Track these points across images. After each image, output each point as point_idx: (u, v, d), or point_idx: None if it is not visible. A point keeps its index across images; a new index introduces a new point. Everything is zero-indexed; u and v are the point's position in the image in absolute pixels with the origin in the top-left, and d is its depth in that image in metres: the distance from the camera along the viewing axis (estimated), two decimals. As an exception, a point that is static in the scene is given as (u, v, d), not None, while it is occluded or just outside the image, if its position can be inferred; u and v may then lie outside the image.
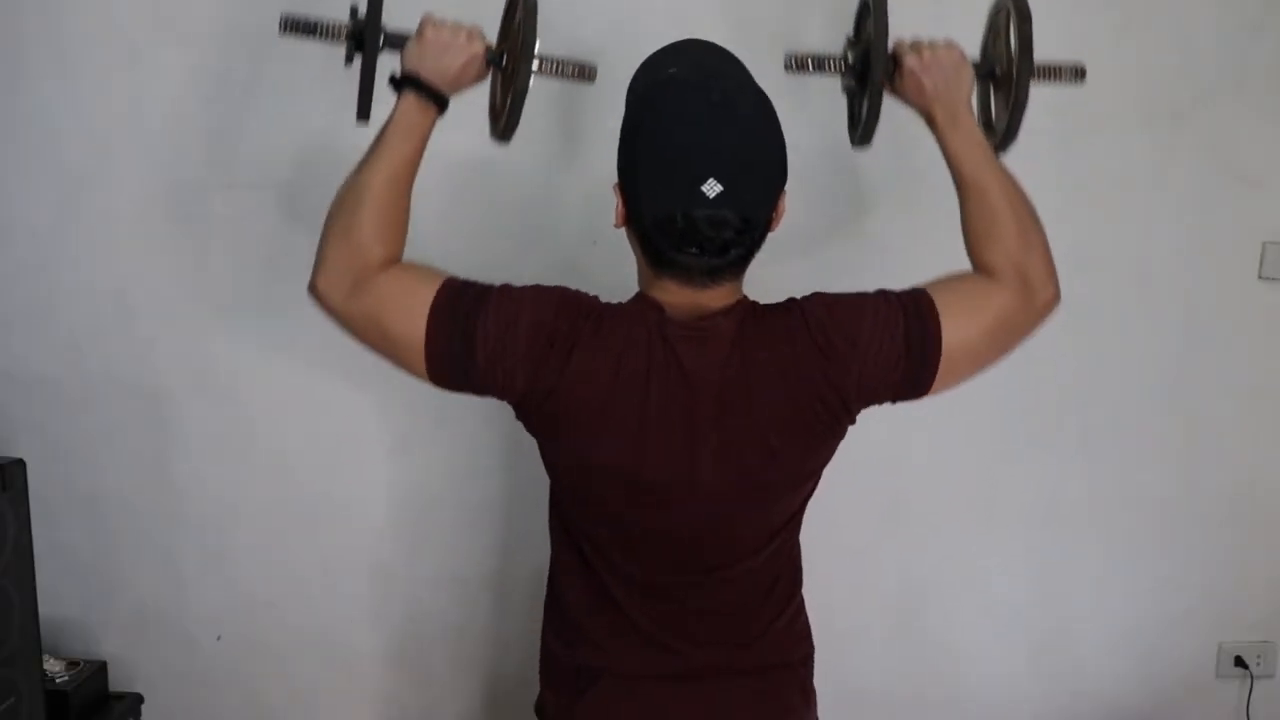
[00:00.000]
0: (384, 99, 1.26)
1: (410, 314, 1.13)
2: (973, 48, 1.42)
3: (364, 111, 1.30)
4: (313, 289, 1.19)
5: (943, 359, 1.15)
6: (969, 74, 1.32)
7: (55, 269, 1.89)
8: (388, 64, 1.28)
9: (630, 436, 1.11)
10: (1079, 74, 1.46)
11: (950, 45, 1.32)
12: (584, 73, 1.36)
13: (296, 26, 1.32)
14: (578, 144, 1.85)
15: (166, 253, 1.88)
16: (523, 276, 1.80)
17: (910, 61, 1.30)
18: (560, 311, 1.13)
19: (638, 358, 1.11)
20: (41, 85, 1.83)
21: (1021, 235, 1.23)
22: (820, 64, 1.40)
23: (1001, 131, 1.41)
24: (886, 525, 2.03)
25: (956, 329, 1.16)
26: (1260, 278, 2.00)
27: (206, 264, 1.89)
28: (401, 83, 1.23)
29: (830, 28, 1.83)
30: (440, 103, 1.24)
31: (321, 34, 1.32)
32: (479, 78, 1.30)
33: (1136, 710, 2.14)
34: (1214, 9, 1.91)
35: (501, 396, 1.15)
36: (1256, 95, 1.94)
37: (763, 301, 1.19)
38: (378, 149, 1.21)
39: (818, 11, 1.81)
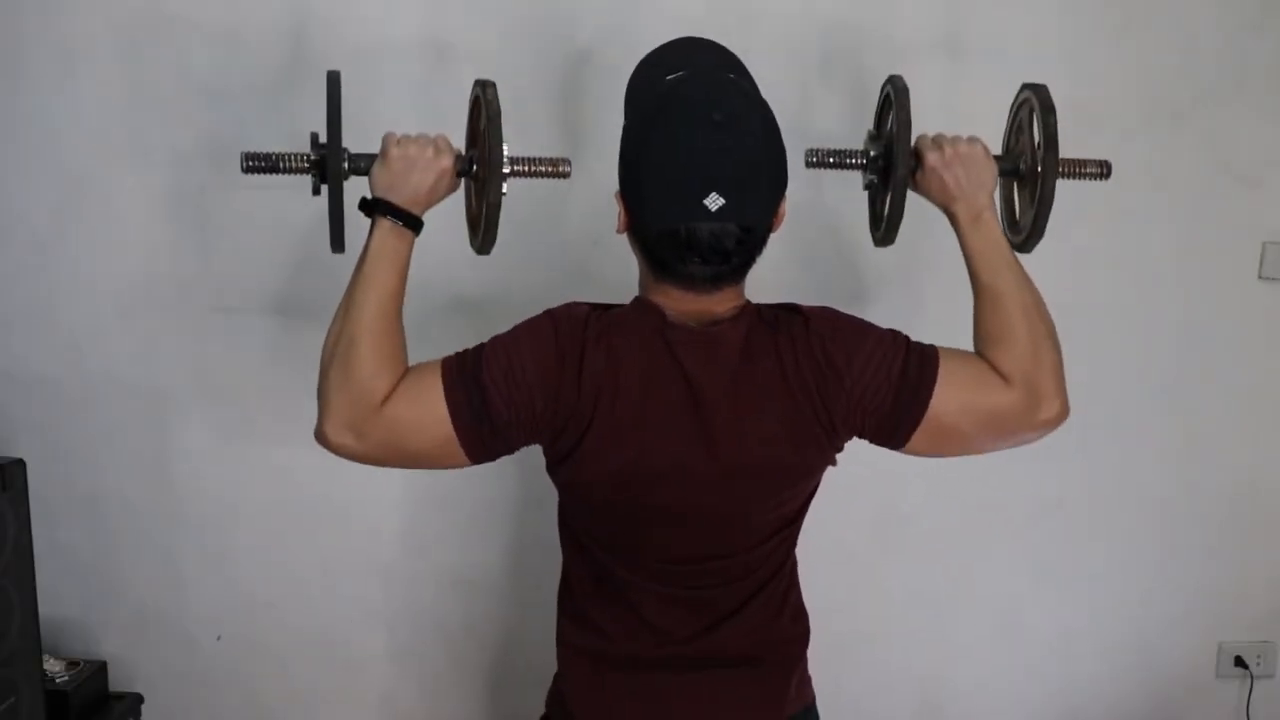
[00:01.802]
0: (359, 222, 1.20)
1: (431, 424, 1.11)
2: (994, 143, 1.37)
3: (337, 243, 1.26)
4: (320, 436, 1.13)
5: (925, 419, 1.15)
6: (993, 171, 1.28)
7: (55, 269, 1.89)
8: (360, 186, 1.22)
9: (634, 439, 1.12)
10: (1104, 170, 1.41)
11: (973, 141, 1.29)
12: (558, 169, 1.31)
13: (258, 164, 1.27)
14: (577, 145, 1.84)
15: (166, 253, 1.89)
16: (524, 279, 1.82)
17: (932, 158, 1.27)
18: (559, 331, 1.13)
19: (639, 362, 1.12)
20: (41, 85, 1.83)
21: (1032, 347, 1.20)
22: (841, 160, 1.37)
23: (1027, 229, 1.37)
24: (885, 527, 2.04)
25: (949, 400, 1.15)
26: (1260, 278, 2.00)
27: (206, 264, 1.89)
28: (373, 207, 1.18)
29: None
30: (415, 225, 1.18)
31: (284, 168, 1.27)
32: (452, 189, 1.25)
33: (1136, 710, 2.14)
34: (1214, 9, 1.91)
35: (528, 437, 1.14)
36: (1256, 95, 1.94)
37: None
38: (358, 284, 1.15)
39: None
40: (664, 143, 1.09)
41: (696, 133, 1.07)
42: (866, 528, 2.01)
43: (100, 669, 1.93)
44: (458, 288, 1.81)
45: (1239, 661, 2.13)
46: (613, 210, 1.15)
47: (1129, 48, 1.90)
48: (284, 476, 1.96)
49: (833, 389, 1.13)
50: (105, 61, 1.82)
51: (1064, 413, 1.21)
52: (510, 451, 1.16)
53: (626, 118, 1.19)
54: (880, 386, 1.14)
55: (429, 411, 1.11)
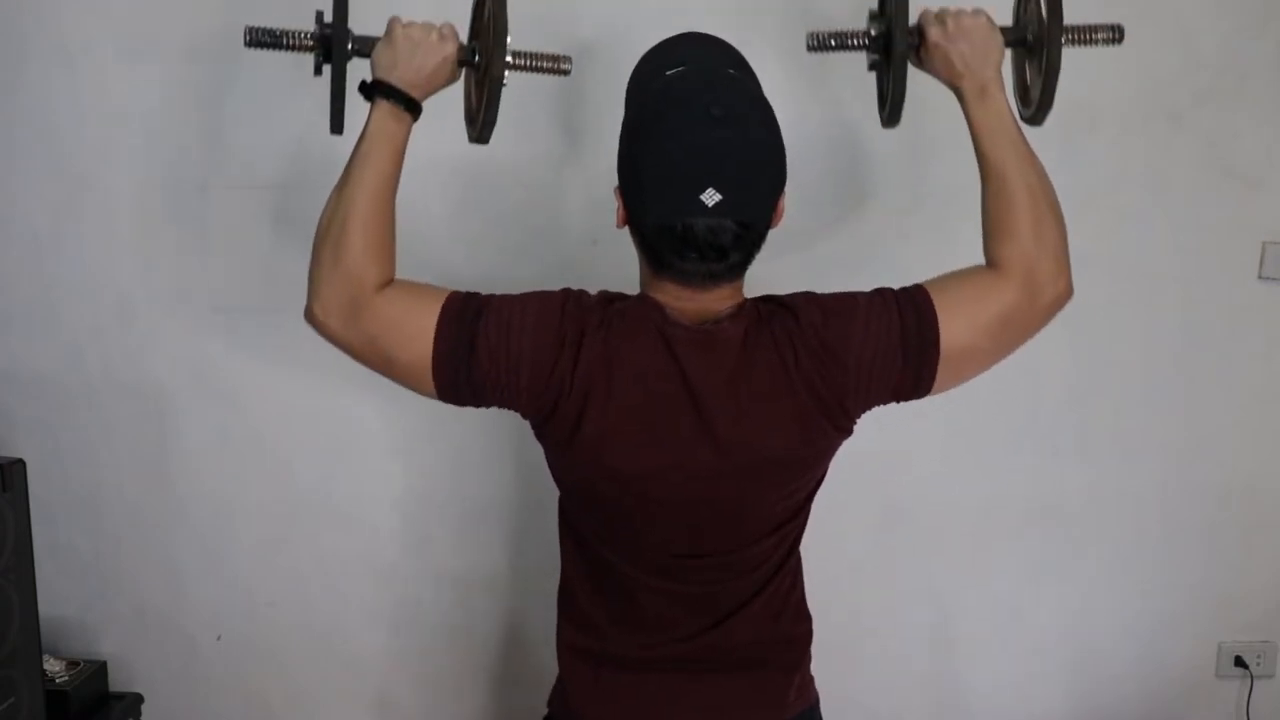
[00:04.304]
0: (359, 107, 1.22)
1: (416, 337, 1.12)
2: (1003, 16, 1.35)
3: (337, 123, 1.27)
4: (309, 316, 1.17)
5: (942, 358, 1.14)
6: (998, 42, 1.26)
7: (55, 269, 1.89)
8: (360, 71, 1.23)
9: (631, 435, 1.12)
10: (1115, 34, 1.36)
11: (977, 13, 1.27)
12: (558, 65, 1.33)
13: (261, 39, 1.28)
14: (578, 142, 1.85)
15: (166, 253, 1.89)
16: (523, 276, 1.80)
17: (934, 33, 1.26)
18: (566, 313, 1.13)
19: (638, 360, 1.12)
20: (41, 85, 1.83)
21: (1035, 226, 1.20)
22: (843, 41, 1.34)
23: (1036, 101, 1.34)
24: (885, 526, 2.03)
25: (956, 328, 1.15)
26: (1260, 278, 1.99)
27: (206, 264, 1.89)
28: (372, 89, 1.20)
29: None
30: (414, 109, 1.21)
31: (287, 44, 1.28)
32: (452, 78, 1.27)
33: (1136, 710, 2.14)
34: (1214, 9, 1.90)
35: (504, 400, 1.15)
36: (1256, 95, 1.94)
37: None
38: (355, 164, 1.18)
39: None
40: (662, 137, 1.09)
41: (694, 127, 1.07)
42: (868, 526, 2.01)
43: (100, 669, 1.93)
44: (455, 285, 1.80)
45: (1239, 661, 2.13)
46: (612, 208, 1.15)
47: (1129, 48, 1.89)
48: (284, 476, 1.96)
49: (837, 375, 1.13)
50: (105, 61, 1.82)
51: (1068, 292, 1.22)
52: (479, 405, 1.16)
53: (626, 112, 1.19)
54: (887, 353, 1.13)
55: (417, 326, 1.12)
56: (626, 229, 1.16)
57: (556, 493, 1.26)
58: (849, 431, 1.19)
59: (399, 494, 1.98)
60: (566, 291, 1.16)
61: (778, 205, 1.14)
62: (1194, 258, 1.98)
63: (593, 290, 1.19)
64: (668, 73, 1.16)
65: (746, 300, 1.17)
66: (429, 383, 1.14)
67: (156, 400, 1.93)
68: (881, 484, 1.98)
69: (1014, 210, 1.21)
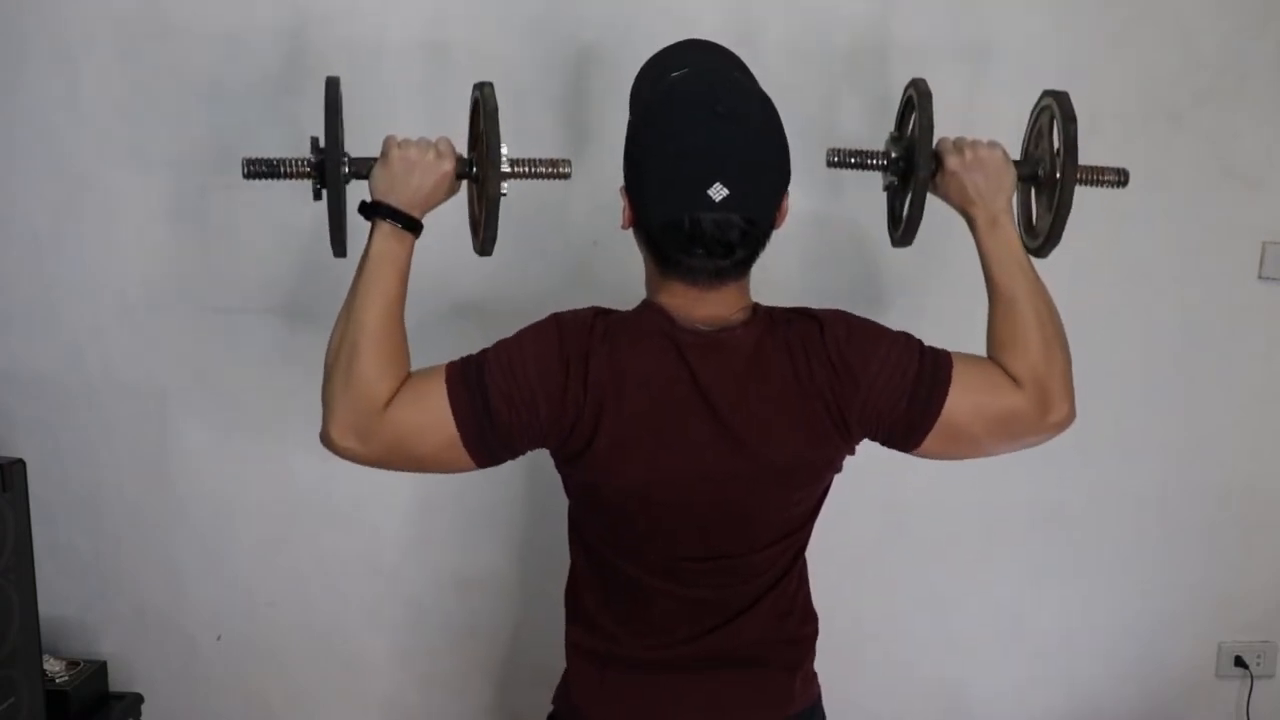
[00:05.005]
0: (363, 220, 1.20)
1: (435, 423, 1.11)
2: (1010, 146, 1.37)
3: (338, 247, 1.26)
4: (325, 439, 1.13)
5: (939, 423, 1.16)
6: (1011, 176, 1.29)
7: (55, 269, 1.89)
8: (361, 190, 1.21)
9: (643, 442, 1.12)
10: (1122, 178, 1.41)
11: (993, 145, 1.29)
12: (557, 169, 1.32)
13: (259, 170, 1.27)
14: (580, 145, 1.84)
15: (166, 253, 1.88)
16: (525, 280, 1.82)
17: (953, 161, 1.28)
18: (563, 336, 1.13)
19: (646, 367, 1.12)
20: (41, 85, 1.83)
21: (1044, 351, 1.21)
22: (862, 161, 1.38)
23: (1044, 234, 1.37)
24: (887, 531, 2.03)
25: (961, 402, 1.16)
26: (1260, 278, 2.00)
27: (206, 264, 1.89)
28: (371, 211, 1.18)
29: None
30: (414, 228, 1.18)
31: (285, 173, 1.27)
32: (452, 193, 1.25)
33: (1136, 710, 2.14)
34: (1214, 9, 1.91)
35: (532, 440, 1.14)
36: (1256, 95, 1.94)
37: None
38: (360, 288, 1.16)
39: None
40: (667, 135, 1.09)
41: (699, 124, 1.08)
42: (871, 528, 2.01)
43: (100, 669, 1.93)
44: (458, 289, 1.81)
45: (1239, 661, 2.13)
46: (614, 210, 1.15)
47: (1129, 48, 1.90)
48: (284, 476, 1.96)
49: (847, 391, 1.13)
50: (105, 61, 1.82)
51: (1071, 415, 1.23)
52: (515, 456, 1.16)
53: (631, 113, 1.20)
54: (894, 390, 1.14)
55: (433, 414, 1.11)
56: (630, 231, 1.16)
57: (561, 493, 1.26)
58: (851, 449, 1.20)
59: (400, 494, 1.98)
60: (555, 315, 1.16)
61: (782, 205, 1.14)
62: (1194, 258, 1.98)
63: (584, 301, 1.19)
64: (672, 75, 1.17)
65: (760, 306, 1.17)
66: (464, 458, 1.13)
67: (156, 400, 1.93)
68: (883, 489, 1.98)
69: (1023, 332, 1.22)
